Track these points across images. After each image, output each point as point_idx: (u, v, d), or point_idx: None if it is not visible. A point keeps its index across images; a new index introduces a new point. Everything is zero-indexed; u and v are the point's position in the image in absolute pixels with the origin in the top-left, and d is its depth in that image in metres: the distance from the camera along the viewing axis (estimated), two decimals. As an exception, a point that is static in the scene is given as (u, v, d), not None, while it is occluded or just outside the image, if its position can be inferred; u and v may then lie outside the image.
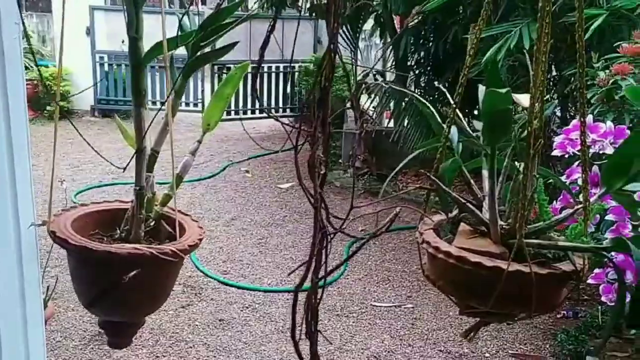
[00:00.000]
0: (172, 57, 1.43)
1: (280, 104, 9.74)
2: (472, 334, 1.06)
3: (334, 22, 0.89)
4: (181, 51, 1.46)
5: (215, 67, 8.83)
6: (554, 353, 3.63)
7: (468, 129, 1.18)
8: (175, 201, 1.48)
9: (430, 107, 1.22)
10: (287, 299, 4.18)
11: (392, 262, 4.88)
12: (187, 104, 9.31)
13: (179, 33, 1.39)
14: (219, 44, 1.54)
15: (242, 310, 4.02)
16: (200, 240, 1.38)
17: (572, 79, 4.10)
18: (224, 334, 3.70)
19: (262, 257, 4.90)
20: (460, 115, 1.22)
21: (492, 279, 0.93)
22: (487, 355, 3.65)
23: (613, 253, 1.01)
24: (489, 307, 0.95)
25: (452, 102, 1.08)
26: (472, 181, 1.12)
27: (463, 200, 1.05)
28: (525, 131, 1.07)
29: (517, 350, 3.68)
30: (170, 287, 1.53)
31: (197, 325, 3.79)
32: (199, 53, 1.48)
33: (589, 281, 1.37)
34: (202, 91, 9.37)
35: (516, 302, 0.97)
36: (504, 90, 0.89)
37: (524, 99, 1.14)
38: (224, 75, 8.09)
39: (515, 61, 4.27)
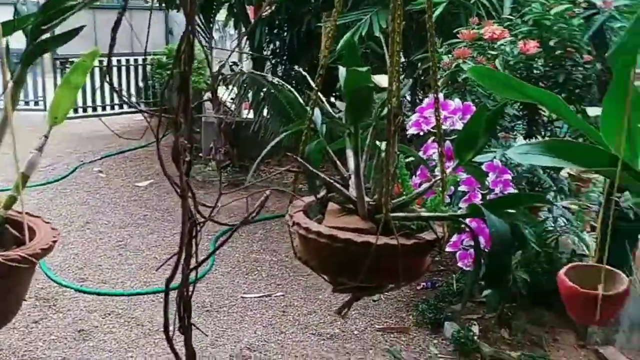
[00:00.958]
0: (7, 43, 1.28)
1: (134, 100, 9.30)
2: (345, 310, 1.08)
3: (191, 3, 0.85)
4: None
5: (58, 61, 8.21)
6: (416, 322, 3.84)
7: (330, 110, 1.19)
8: (23, 202, 1.34)
9: (294, 91, 1.21)
10: (154, 301, 4.02)
11: (260, 253, 4.87)
12: (27, 103, 8.57)
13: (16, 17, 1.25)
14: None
15: (104, 318, 3.79)
16: (55, 242, 1.27)
17: (420, 63, 4.35)
18: (85, 345, 3.46)
19: (123, 260, 4.66)
20: (323, 98, 1.23)
21: (362, 253, 0.95)
22: (355, 332, 3.77)
23: (469, 220, 1.08)
24: (360, 282, 0.97)
25: (313, 85, 1.08)
26: (337, 161, 1.14)
27: (330, 180, 1.06)
28: (385, 110, 1.10)
29: (383, 325, 3.84)
30: (21, 299, 1.39)
31: (53, 339, 3.51)
32: (39, 40, 1.35)
33: (447, 249, 1.47)
34: (44, 88, 8.67)
35: (385, 274, 1.00)
36: (364, 69, 0.91)
37: (382, 79, 1.18)
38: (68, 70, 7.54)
39: (367, 49, 4.45)
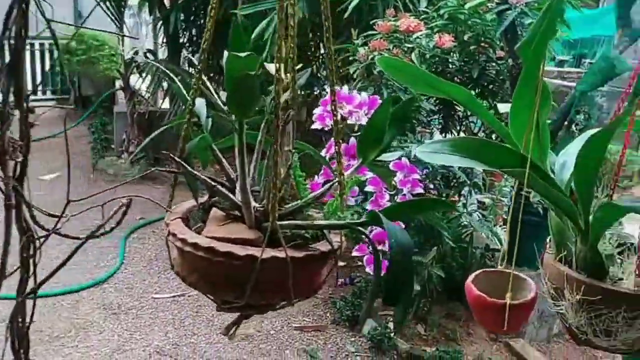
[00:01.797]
0: None
1: (40, 87, 8.72)
2: (233, 330, 0.95)
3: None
4: None
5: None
6: (334, 320, 3.77)
7: (220, 102, 1.05)
8: None
9: (177, 80, 1.06)
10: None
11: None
12: None
13: None
14: None
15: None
16: None
17: (338, 54, 4.26)
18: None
19: None
20: (211, 88, 1.08)
21: (247, 268, 0.83)
22: (272, 332, 3.66)
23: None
24: (246, 301, 0.85)
25: (196, 70, 0.94)
26: (224, 161, 1.01)
27: (213, 183, 0.93)
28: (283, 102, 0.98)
29: (300, 323, 3.75)
30: None
31: None
32: None
33: (354, 253, 1.36)
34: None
35: (276, 290, 0.88)
36: (246, 54, 0.78)
37: (270, 67, 1.05)
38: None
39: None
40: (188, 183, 0.96)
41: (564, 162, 1.30)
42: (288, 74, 0.99)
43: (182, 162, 0.89)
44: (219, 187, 0.93)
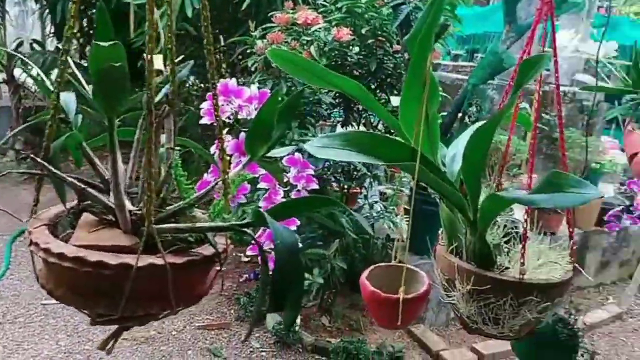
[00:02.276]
0: None
1: None
2: (110, 344, 0.87)
3: None
4: None
5: None
6: (238, 317, 3.71)
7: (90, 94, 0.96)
8: None
9: (40, 72, 0.96)
10: None
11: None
12: None
13: None
14: None
15: None
16: None
17: (237, 47, 4.18)
18: None
19: None
20: (83, 80, 0.99)
21: (120, 278, 0.76)
22: (174, 333, 3.55)
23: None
24: (122, 313, 0.78)
25: (60, 61, 0.85)
26: (97, 160, 0.92)
27: (82, 185, 0.84)
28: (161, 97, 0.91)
29: (203, 322, 3.66)
30: None
31: None
32: None
33: (248, 252, 1.32)
34: None
35: (155, 299, 0.81)
36: (109, 44, 0.71)
37: (157, 60, 0.98)
38: None
39: (182, 30, 4.17)
40: (54, 185, 0.87)
41: (454, 154, 1.32)
42: (167, 67, 0.93)
43: (44, 163, 0.80)
44: (89, 189, 0.85)
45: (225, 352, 3.42)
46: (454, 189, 1.19)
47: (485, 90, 5.18)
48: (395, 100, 1.60)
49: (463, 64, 7.85)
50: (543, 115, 5.38)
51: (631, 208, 3.20)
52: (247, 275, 4.13)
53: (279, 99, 1.10)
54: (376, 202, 3.97)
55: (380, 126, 3.67)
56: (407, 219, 4.22)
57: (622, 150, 6.03)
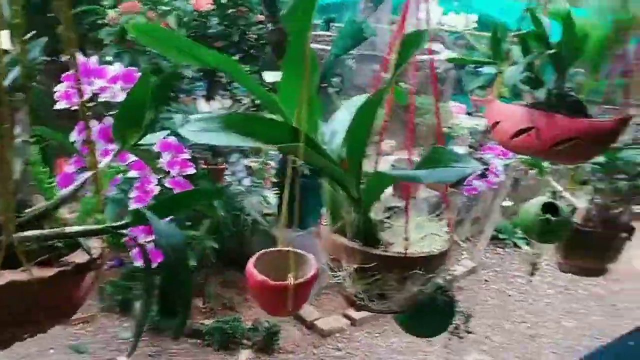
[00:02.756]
0: None
1: None
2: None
3: None
4: None
5: None
6: (104, 308, 3.50)
7: None
8: None
9: None
10: None
11: None
12: None
13: None
14: None
15: None
16: None
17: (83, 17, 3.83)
18: None
19: None
20: None
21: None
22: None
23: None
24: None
25: None
26: None
27: None
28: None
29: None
30: None
31: None
32: None
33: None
34: None
35: (21, 319, 0.70)
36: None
37: (3, 38, 0.84)
38: None
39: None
40: None
41: (333, 131, 1.29)
42: (17, 45, 0.79)
43: None
44: None
45: (91, 347, 3.21)
46: (338, 167, 1.17)
47: (345, 60, 5.26)
48: (269, 76, 1.53)
49: (320, 33, 7.94)
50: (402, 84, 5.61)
51: (486, 172, 3.48)
52: (112, 262, 3.90)
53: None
54: (245, 177, 3.91)
55: (245, 99, 3.58)
56: (276, 192, 4.21)
57: (468, 114, 6.50)
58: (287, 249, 1.21)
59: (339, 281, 1.27)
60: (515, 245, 5.18)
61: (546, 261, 3.86)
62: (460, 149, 5.61)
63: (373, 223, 1.23)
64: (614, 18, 1.55)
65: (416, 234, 1.28)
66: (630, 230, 1.75)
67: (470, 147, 5.46)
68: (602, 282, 4.46)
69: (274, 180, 4.25)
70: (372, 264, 1.19)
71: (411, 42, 1.00)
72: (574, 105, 1.50)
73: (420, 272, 1.21)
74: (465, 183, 3.31)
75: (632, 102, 1.61)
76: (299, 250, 1.23)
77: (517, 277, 4.68)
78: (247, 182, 3.86)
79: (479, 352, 3.70)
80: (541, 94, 1.54)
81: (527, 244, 5.18)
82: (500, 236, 5.19)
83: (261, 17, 3.49)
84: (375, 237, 1.24)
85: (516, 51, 1.61)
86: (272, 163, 4.37)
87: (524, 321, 4.12)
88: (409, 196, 1.20)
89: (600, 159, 1.69)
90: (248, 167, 4.65)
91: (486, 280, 4.69)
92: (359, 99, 1.37)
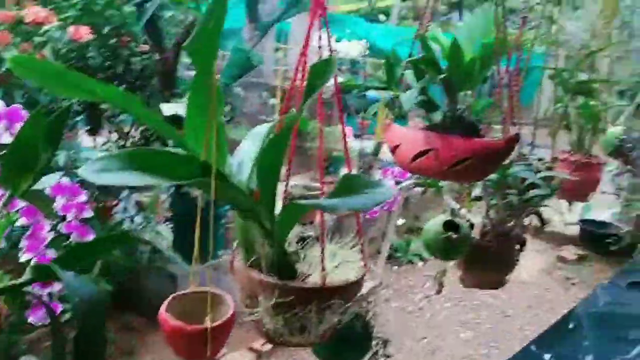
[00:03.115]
0: None
1: None
2: None
3: None
4: None
5: None
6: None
7: None
8: None
9: None
10: None
11: None
12: None
13: None
14: None
15: None
16: None
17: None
18: None
19: None
20: None
21: None
22: None
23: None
24: None
25: None
26: None
27: None
28: None
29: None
30: None
31: None
32: None
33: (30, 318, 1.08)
34: None
35: None
36: None
37: None
38: None
39: None
40: None
41: (239, 162, 1.25)
42: None
43: None
44: None
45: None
46: (250, 200, 1.13)
47: (232, 88, 5.23)
48: (166, 108, 1.47)
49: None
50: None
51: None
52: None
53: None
54: (136, 213, 3.73)
55: (134, 132, 3.43)
56: (170, 226, 4.05)
57: (356, 136, 6.69)
58: (201, 289, 1.15)
59: (256, 318, 1.22)
60: (410, 262, 5.35)
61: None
62: (353, 172, 5.74)
63: (288, 255, 1.20)
64: (482, 42, 1.65)
65: (330, 262, 1.27)
66: (523, 242, 1.86)
67: (360, 168, 5.60)
68: (493, 291, 4.71)
69: (168, 214, 4.08)
70: (290, 298, 1.15)
71: (320, 71, 0.99)
72: (468, 127, 1.57)
73: (339, 302, 1.19)
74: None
75: (515, 120, 1.72)
76: (214, 290, 1.17)
77: (415, 293, 4.82)
78: (139, 219, 3.68)
79: (383, 373, 3.75)
80: (437, 116, 1.60)
81: (421, 260, 5.37)
82: (396, 254, 5.34)
83: (145, 47, 3.37)
84: (292, 269, 1.21)
85: (410, 76, 1.66)
86: (164, 196, 4.21)
87: (424, 337, 4.24)
88: (325, 226, 1.19)
89: (492, 176, 1.78)
90: (138, 203, 4.44)
91: (386, 299, 4.78)
92: (263, 128, 1.34)
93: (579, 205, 5.65)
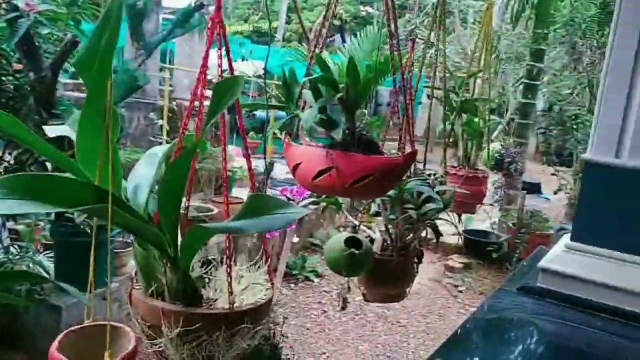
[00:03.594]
0: None
1: None
2: None
3: None
4: None
5: None
6: None
7: None
8: None
9: None
10: None
11: None
12: None
13: None
14: None
15: None
16: None
17: None
18: None
19: None
20: None
21: None
22: None
23: None
24: None
25: None
26: None
27: None
28: None
29: None
30: None
31: None
32: None
33: None
34: None
35: None
36: None
37: None
38: None
39: None
40: None
41: (135, 186, 1.19)
42: None
43: None
44: None
45: None
46: (150, 225, 1.07)
47: (117, 108, 4.99)
48: (50, 131, 1.36)
49: (85, 81, 7.42)
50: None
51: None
52: None
53: None
54: (11, 243, 3.43)
55: (8, 156, 3.16)
56: (51, 256, 3.76)
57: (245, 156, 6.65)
58: (97, 322, 1.07)
59: (159, 349, 1.15)
60: (307, 279, 5.36)
61: (338, 290, 4.06)
62: (243, 190, 5.69)
63: (192, 280, 1.14)
64: (367, 64, 1.70)
65: (237, 285, 1.23)
66: (421, 255, 1.92)
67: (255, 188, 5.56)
68: (388, 303, 4.83)
69: (46, 242, 3.80)
70: (197, 325, 1.10)
71: (225, 89, 0.96)
72: (368, 144, 1.60)
73: (249, 326, 1.15)
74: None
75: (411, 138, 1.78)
76: (113, 323, 1.08)
77: (312, 309, 4.83)
78: (14, 249, 3.39)
79: (285, 393, 3.71)
80: (337, 134, 1.61)
81: (318, 276, 5.40)
82: (293, 272, 5.33)
83: (19, 66, 3.13)
84: (197, 295, 1.15)
85: (308, 95, 1.67)
86: (42, 224, 3.92)
87: (323, 352, 4.25)
88: (232, 249, 1.15)
89: (390, 192, 1.83)
90: (11, 231, 4.07)
91: (285, 318, 4.75)
92: (158, 150, 1.28)
93: (463, 217, 5.99)
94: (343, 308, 1.88)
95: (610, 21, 2.19)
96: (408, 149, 1.66)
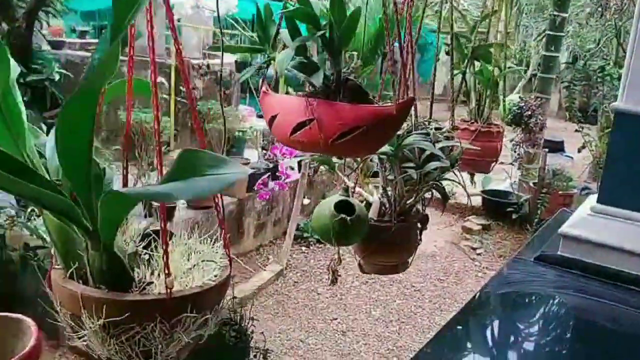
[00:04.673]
0: None
1: None
2: None
3: None
4: None
5: None
6: None
7: None
8: None
9: None
10: None
11: None
12: None
13: None
14: None
15: None
16: None
17: None
18: None
19: None
20: None
21: None
22: None
23: None
24: None
25: None
26: None
27: None
28: None
29: None
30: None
31: None
32: None
33: None
34: None
35: None
36: None
37: None
38: None
39: None
40: None
41: (53, 147, 0.95)
42: None
43: None
44: None
45: None
46: (57, 192, 0.84)
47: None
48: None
49: (91, 41, 7.20)
50: (182, 88, 5.25)
51: (277, 173, 3.29)
52: None
53: None
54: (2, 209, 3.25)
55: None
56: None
57: (259, 116, 6.37)
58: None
59: (84, 343, 0.94)
60: (319, 242, 5.15)
61: (349, 254, 3.85)
62: (253, 151, 5.46)
63: (119, 259, 0.92)
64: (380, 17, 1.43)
65: (183, 263, 1.00)
66: (425, 220, 1.67)
67: (263, 148, 5.32)
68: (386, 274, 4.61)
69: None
70: (125, 315, 0.88)
71: (128, 4, 0.72)
72: (355, 91, 1.33)
73: (193, 315, 0.93)
74: (256, 186, 3.10)
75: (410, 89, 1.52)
76: (14, 315, 0.87)
77: (325, 273, 4.64)
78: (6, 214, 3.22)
79: (296, 358, 3.55)
80: (318, 80, 1.34)
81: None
82: (304, 235, 5.13)
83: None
84: (127, 277, 0.93)
85: (285, 35, 1.41)
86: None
87: (335, 318, 4.08)
88: (165, 219, 0.92)
89: (387, 148, 1.56)
90: None
91: (295, 282, 4.57)
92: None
93: (481, 177, 5.68)
94: (333, 282, 1.65)
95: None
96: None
